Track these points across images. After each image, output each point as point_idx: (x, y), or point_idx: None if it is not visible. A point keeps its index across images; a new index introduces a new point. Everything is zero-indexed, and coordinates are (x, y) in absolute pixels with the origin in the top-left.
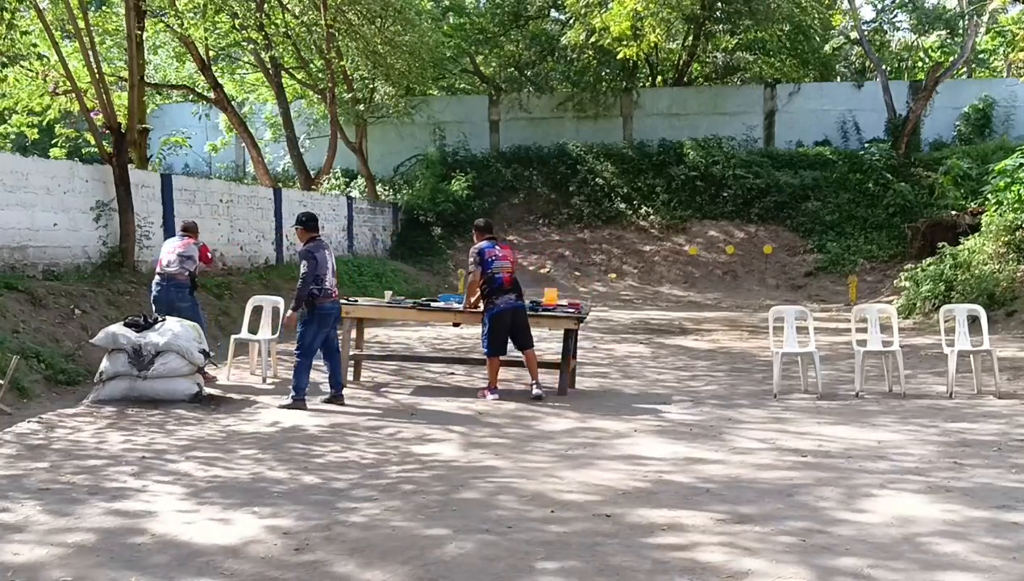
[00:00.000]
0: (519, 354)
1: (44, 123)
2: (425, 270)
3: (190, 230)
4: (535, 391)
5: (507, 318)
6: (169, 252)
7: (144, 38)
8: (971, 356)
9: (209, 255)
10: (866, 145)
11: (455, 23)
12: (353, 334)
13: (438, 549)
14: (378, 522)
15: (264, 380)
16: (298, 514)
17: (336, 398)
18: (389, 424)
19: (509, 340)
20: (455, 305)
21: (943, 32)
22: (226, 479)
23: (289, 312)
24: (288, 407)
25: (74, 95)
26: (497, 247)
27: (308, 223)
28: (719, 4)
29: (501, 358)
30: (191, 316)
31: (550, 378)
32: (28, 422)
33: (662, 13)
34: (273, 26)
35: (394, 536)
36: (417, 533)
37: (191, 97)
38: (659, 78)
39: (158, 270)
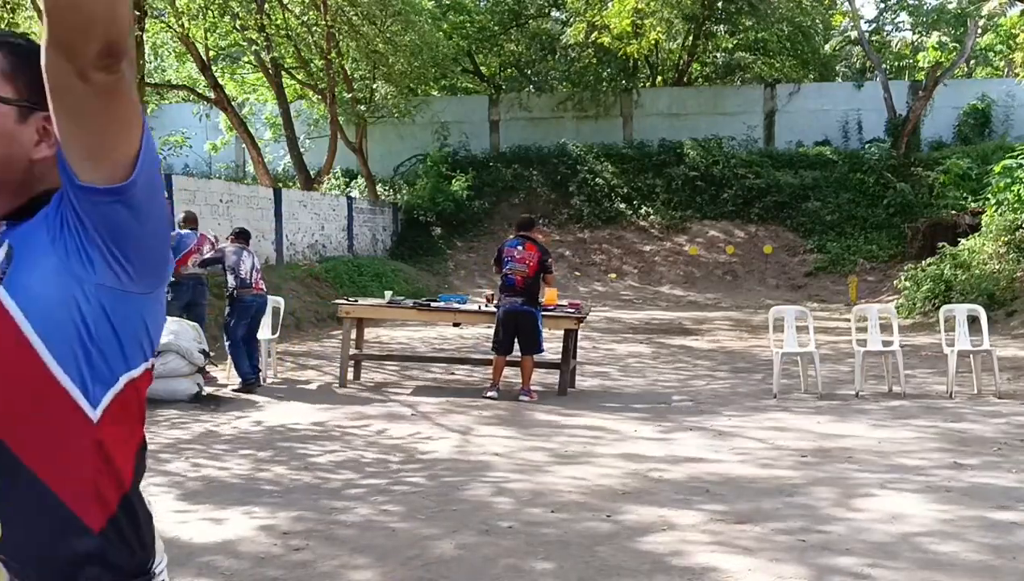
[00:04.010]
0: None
1: None
2: (425, 270)
3: (191, 221)
4: (521, 396)
5: (510, 319)
6: (186, 251)
7: (144, 39)
8: (971, 356)
9: (209, 240)
10: (866, 145)
11: (454, 22)
12: (353, 334)
13: (437, 549)
14: (377, 522)
15: (264, 379)
16: (297, 514)
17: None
18: (389, 424)
19: (516, 342)
20: (455, 305)
21: (942, 33)
22: (225, 479)
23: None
24: (242, 389)
25: None
26: (520, 247)
27: (239, 236)
28: (719, 4)
29: (507, 359)
30: (201, 314)
31: (550, 378)
32: None
33: (663, 12)
34: (273, 26)
35: (393, 536)
36: (416, 533)
37: (191, 97)
38: (659, 78)
39: (183, 271)
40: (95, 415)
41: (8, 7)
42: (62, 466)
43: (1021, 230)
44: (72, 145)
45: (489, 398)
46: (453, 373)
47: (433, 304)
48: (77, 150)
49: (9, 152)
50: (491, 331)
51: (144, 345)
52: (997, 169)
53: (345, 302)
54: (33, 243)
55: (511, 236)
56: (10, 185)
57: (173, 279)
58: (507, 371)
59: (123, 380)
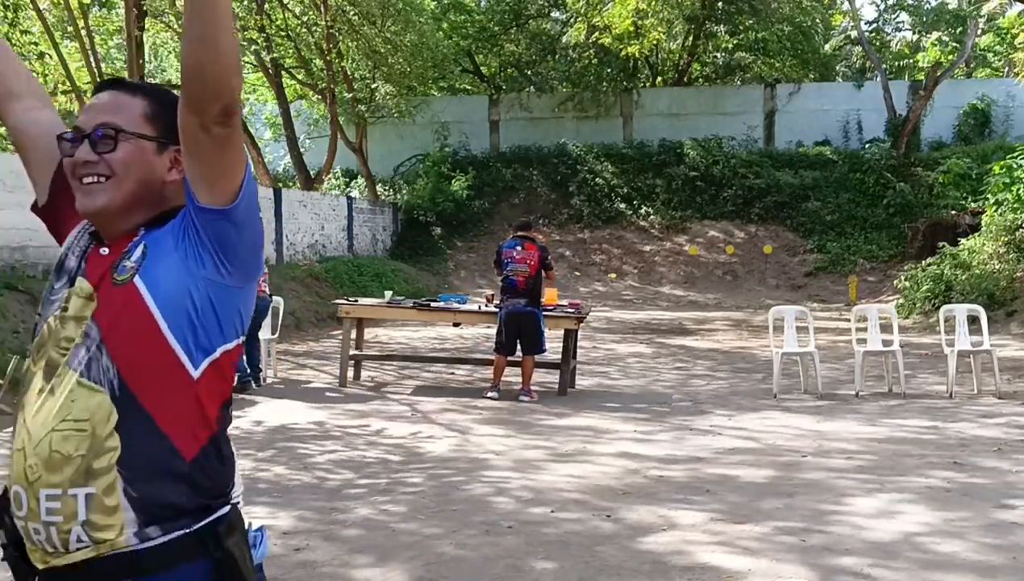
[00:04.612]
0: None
1: None
2: (425, 270)
3: None
4: (521, 396)
5: (513, 321)
6: None
7: (144, 39)
8: (971, 356)
9: None
10: (866, 145)
11: (454, 22)
12: (353, 334)
13: (437, 549)
14: (377, 522)
15: (264, 379)
16: (297, 514)
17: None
18: (388, 424)
19: (518, 343)
20: (455, 305)
21: (942, 33)
22: None
23: None
24: (236, 387)
25: (74, 95)
26: (519, 248)
27: None
28: (719, 4)
29: (508, 359)
30: None
31: (550, 378)
32: None
33: (663, 12)
34: (274, 27)
35: (393, 536)
36: (416, 533)
37: None
38: (659, 78)
39: None
40: (195, 374)
41: (10, 7)
42: (168, 409)
43: (1021, 230)
44: (194, 176)
45: (489, 398)
46: (453, 373)
47: (433, 304)
48: (198, 180)
49: (149, 175)
50: (491, 331)
51: (237, 325)
52: (996, 169)
53: (345, 302)
54: (162, 246)
55: (509, 237)
56: (149, 200)
57: None
58: (507, 371)
59: (219, 350)
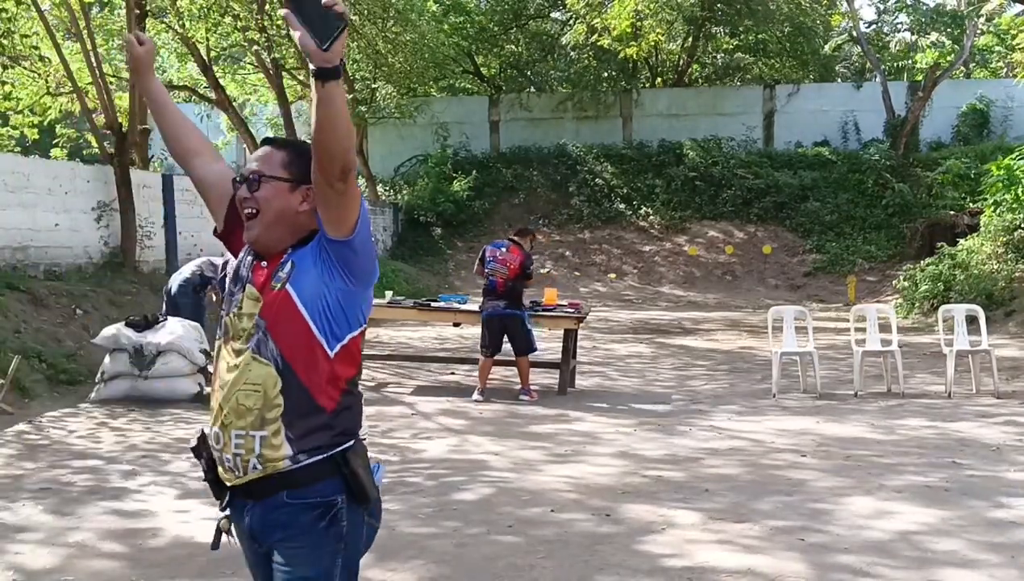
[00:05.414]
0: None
1: (45, 123)
2: (426, 270)
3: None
4: (521, 396)
5: (494, 323)
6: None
7: None
8: (969, 356)
9: None
10: (865, 145)
11: (455, 23)
12: None
13: (438, 549)
14: None
15: None
16: None
17: None
18: (389, 424)
19: (504, 344)
20: (455, 305)
21: (941, 34)
22: None
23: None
24: None
25: (75, 95)
26: (503, 249)
27: None
28: (719, 5)
29: (494, 359)
30: (201, 315)
31: (550, 378)
32: (29, 422)
33: (663, 13)
34: (275, 27)
35: (393, 536)
36: (416, 533)
37: (193, 98)
38: (659, 79)
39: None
40: (332, 354)
41: (6, 17)
42: (315, 378)
43: (1019, 230)
44: (324, 216)
45: (475, 401)
46: (453, 373)
47: (433, 304)
48: (326, 219)
49: (285, 207)
50: None
51: (360, 317)
52: (993, 169)
53: None
54: (305, 262)
55: (498, 240)
56: (288, 226)
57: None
58: (506, 371)
59: (348, 337)
